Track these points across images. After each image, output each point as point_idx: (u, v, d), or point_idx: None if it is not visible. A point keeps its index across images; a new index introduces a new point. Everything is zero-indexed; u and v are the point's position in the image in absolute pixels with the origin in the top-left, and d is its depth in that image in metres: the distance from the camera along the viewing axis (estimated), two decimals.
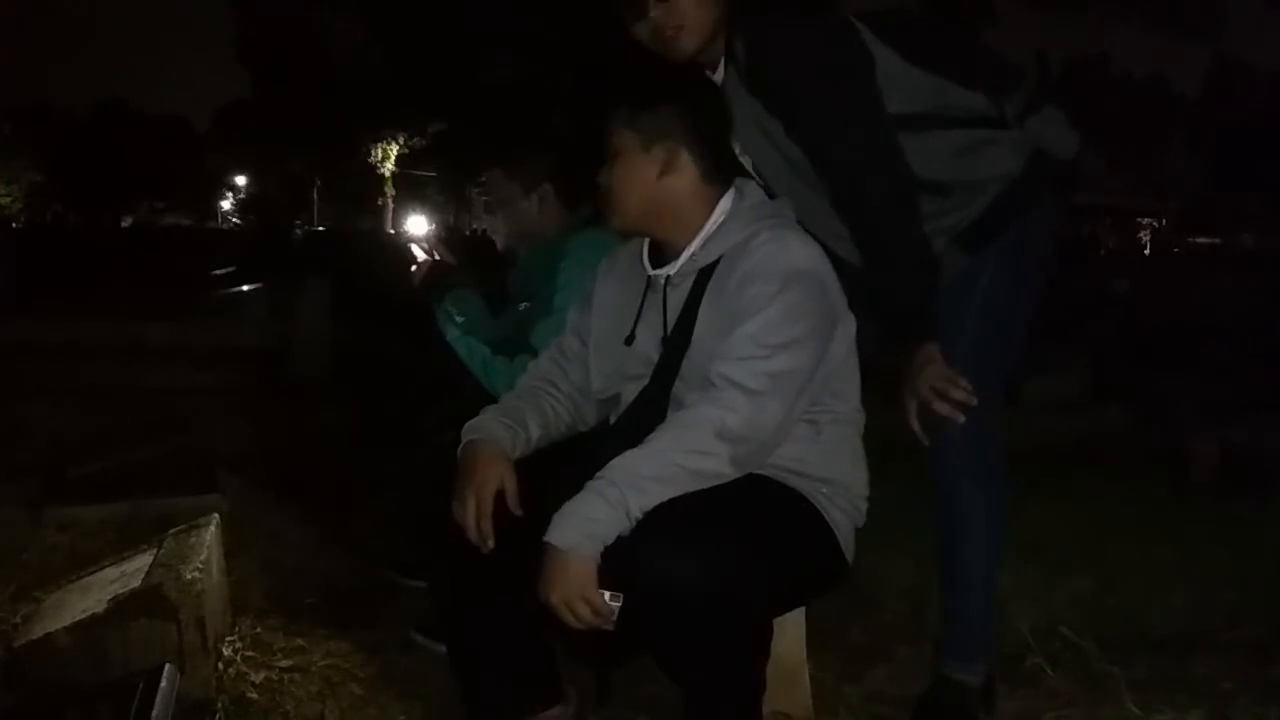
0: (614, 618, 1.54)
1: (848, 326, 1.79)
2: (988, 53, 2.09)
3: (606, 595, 1.53)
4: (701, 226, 1.78)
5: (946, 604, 2.12)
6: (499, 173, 2.69)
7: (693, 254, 1.77)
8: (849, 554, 1.81)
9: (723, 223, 1.77)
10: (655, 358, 1.79)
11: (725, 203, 1.79)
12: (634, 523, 1.54)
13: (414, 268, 2.61)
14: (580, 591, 1.52)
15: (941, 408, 1.89)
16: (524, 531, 1.62)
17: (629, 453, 1.59)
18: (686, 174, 1.77)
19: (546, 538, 1.54)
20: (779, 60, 1.86)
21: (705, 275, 1.76)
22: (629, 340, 1.82)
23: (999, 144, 1.97)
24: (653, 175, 1.76)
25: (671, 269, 1.79)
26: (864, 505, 1.84)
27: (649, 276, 1.83)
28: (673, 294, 1.79)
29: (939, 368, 1.90)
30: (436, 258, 2.61)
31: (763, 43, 1.87)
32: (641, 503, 1.55)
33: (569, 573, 1.53)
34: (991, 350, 2.02)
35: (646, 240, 1.86)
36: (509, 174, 2.67)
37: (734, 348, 1.66)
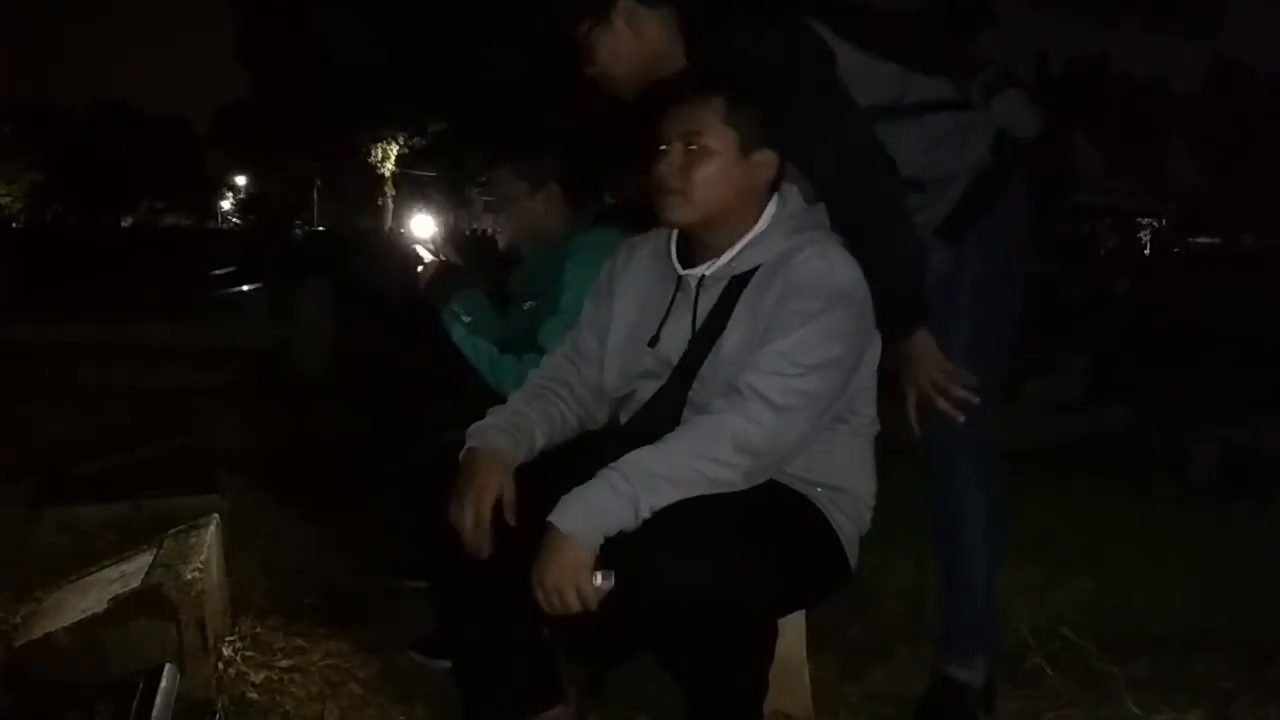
0: (598, 599, 1.53)
1: (876, 347, 1.79)
2: (947, 39, 2.11)
3: (599, 577, 1.53)
4: (748, 230, 1.76)
5: (946, 604, 2.12)
6: (507, 171, 2.68)
7: (732, 260, 1.75)
8: (852, 559, 1.81)
9: (764, 230, 1.76)
10: (675, 359, 1.77)
11: (770, 209, 1.78)
12: (640, 521, 1.54)
13: (420, 269, 2.60)
14: (572, 579, 1.52)
15: (943, 405, 1.90)
16: (525, 530, 1.62)
17: (645, 449, 1.59)
18: (764, 183, 1.76)
19: (550, 518, 1.54)
20: (742, 72, 1.83)
21: (740, 281, 1.74)
22: (653, 342, 1.79)
23: (965, 132, 1.97)
24: (743, 179, 1.74)
25: (706, 270, 1.77)
26: (869, 513, 1.84)
27: (679, 276, 1.80)
28: (704, 296, 1.76)
29: (939, 360, 1.90)
30: (443, 259, 2.61)
31: (723, 56, 1.86)
32: (652, 502, 1.54)
33: (565, 558, 1.52)
34: (987, 343, 2.03)
35: (674, 236, 1.83)
36: (517, 173, 2.66)
37: (766, 361, 1.64)
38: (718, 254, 1.76)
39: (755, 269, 1.74)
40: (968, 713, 2.07)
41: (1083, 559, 2.99)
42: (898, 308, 1.86)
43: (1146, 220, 40.85)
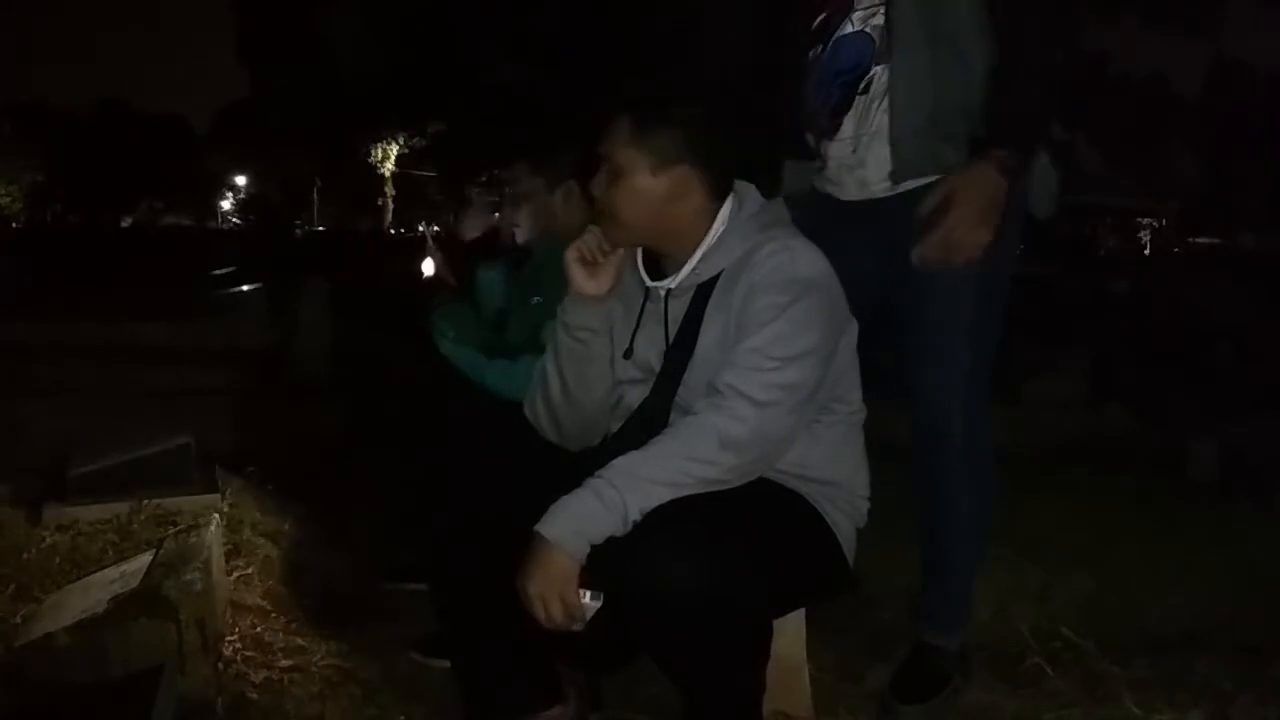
0: (586, 619, 1.53)
1: (851, 332, 1.80)
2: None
3: (587, 595, 1.52)
4: (703, 240, 1.76)
5: (930, 580, 2.18)
6: (525, 167, 2.68)
7: (694, 268, 1.75)
8: (850, 555, 1.81)
9: (722, 234, 1.75)
10: (656, 366, 1.78)
11: (724, 212, 1.77)
12: (630, 526, 1.54)
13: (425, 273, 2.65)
14: (558, 588, 1.52)
15: (954, 256, 1.90)
16: (525, 532, 1.62)
17: (631, 454, 1.59)
18: (695, 196, 1.74)
19: (537, 527, 1.54)
20: None
21: (706, 287, 1.75)
22: (628, 353, 1.81)
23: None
24: (661, 198, 1.72)
25: (672, 282, 1.77)
26: (865, 506, 1.85)
27: (647, 289, 1.81)
28: (674, 304, 1.78)
29: (987, 211, 1.89)
30: (438, 275, 2.65)
31: None
32: (642, 505, 1.54)
33: (551, 567, 1.52)
34: (986, 329, 2.06)
35: (639, 250, 1.84)
36: (535, 170, 2.66)
37: (742, 359, 1.64)
38: (680, 264, 1.77)
39: (720, 274, 1.74)
40: (944, 673, 2.12)
41: (1083, 559, 2.99)
42: (1014, 128, 1.89)
43: (1146, 220, 40.80)
